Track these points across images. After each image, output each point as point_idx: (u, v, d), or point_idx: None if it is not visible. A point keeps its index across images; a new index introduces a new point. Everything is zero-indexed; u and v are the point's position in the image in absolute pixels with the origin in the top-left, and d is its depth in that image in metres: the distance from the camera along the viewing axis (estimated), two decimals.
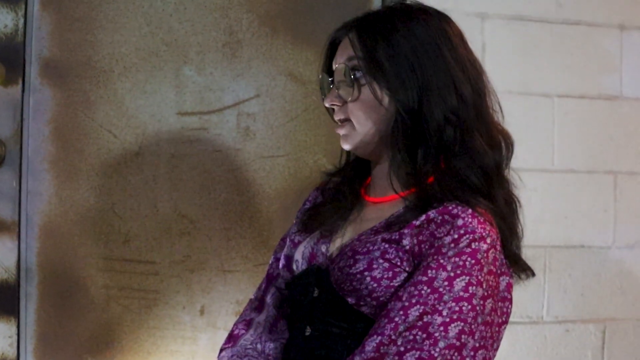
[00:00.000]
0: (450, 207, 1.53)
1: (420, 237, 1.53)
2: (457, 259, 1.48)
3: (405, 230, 1.54)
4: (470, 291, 1.47)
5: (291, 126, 2.49)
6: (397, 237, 1.54)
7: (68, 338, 2.38)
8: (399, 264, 1.53)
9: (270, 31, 2.48)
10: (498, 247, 1.54)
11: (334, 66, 1.67)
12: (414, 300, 1.47)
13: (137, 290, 2.41)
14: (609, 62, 2.69)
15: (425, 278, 1.48)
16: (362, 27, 1.63)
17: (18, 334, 2.34)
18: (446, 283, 1.47)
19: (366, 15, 1.68)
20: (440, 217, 1.53)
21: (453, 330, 1.45)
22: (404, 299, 1.48)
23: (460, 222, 1.51)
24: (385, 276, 1.52)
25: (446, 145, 1.58)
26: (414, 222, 1.54)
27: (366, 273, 1.53)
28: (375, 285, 1.52)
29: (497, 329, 1.53)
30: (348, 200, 1.70)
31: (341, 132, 1.66)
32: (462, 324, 1.46)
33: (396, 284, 1.52)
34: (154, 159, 2.42)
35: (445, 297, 1.46)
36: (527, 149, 2.60)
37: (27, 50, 2.35)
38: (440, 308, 1.46)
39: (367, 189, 1.72)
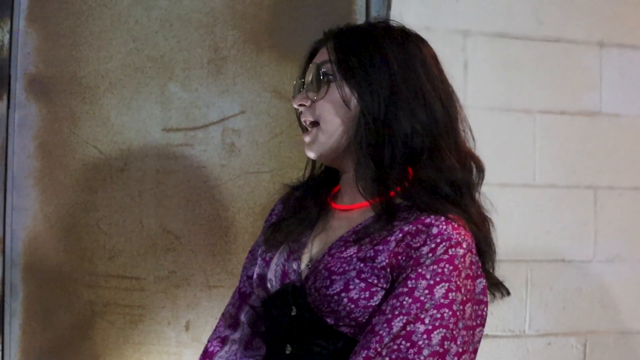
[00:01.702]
0: (423, 217, 1.54)
1: (397, 250, 1.54)
2: (435, 267, 1.50)
3: (380, 247, 1.55)
4: (450, 297, 1.49)
5: (276, 142, 2.50)
6: (372, 254, 1.55)
7: (53, 354, 2.38)
8: (375, 282, 1.54)
9: (255, 48, 2.49)
10: (474, 251, 1.56)
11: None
12: (396, 312, 1.48)
13: (122, 306, 2.41)
14: (589, 79, 2.72)
15: (405, 289, 1.50)
16: (340, 35, 1.66)
17: (2, 350, 2.34)
18: (427, 291, 1.48)
19: (347, 26, 1.70)
20: (414, 228, 1.54)
21: (436, 338, 1.47)
22: (387, 312, 1.49)
23: (435, 230, 1.52)
24: (363, 296, 1.53)
25: (413, 154, 1.59)
26: (389, 238, 1.55)
27: (343, 294, 1.53)
28: (352, 306, 1.53)
29: (472, 332, 1.54)
30: (313, 210, 1.70)
31: (307, 138, 1.67)
32: (445, 330, 1.48)
33: (374, 304, 1.53)
34: (140, 174, 2.42)
35: (427, 305, 1.48)
36: (508, 164, 2.62)
37: (12, 66, 2.36)
38: (422, 316, 1.47)
39: (334, 198, 1.73)
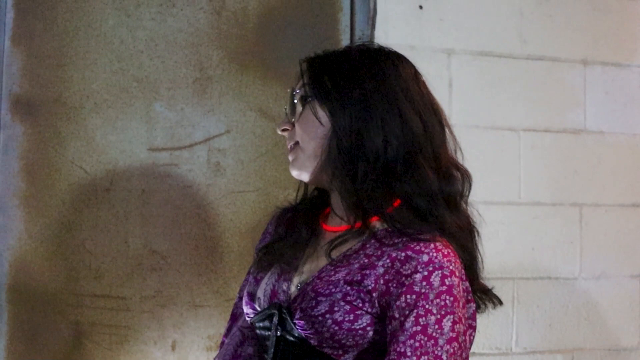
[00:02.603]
0: (412, 245, 1.56)
1: (387, 277, 1.55)
2: (438, 300, 1.51)
3: (368, 271, 1.56)
4: (456, 330, 1.52)
5: (261, 161, 2.51)
6: (359, 278, 1.56)
7: None
8: (360, 305, 1.55)
9: (240, 67, 2.50)
10: (464, 277, 1.58)
11: None
12: (418, 353, 1.50)
13: (108, 326, 2.40)
14: (573, 97, 2.73)
15: (419, 327, 1.51)
16: (314, 59, 1.70)
17: None
18: (437, 326, 1.51)
19: (323, 51, 1.73)
20: (403, 254, 1.55)
21: None
22: (409, 354, 1.50)
23: (425, 257, 1.53)
24: (347, 319, 1.54)
25: (388, 167, 1.60)
26: (377, 263, 1.56)
27: (327, 316, 1.55)
28: (336, 328, 1.54)
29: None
30: (304, 232, 1.72)
31: (290, 157, 1.70)
32: None
33: (358, 327, 1.54)
34: (125, 194, 2.42)
35: (440, 341, 1.50)
36: (494, 182, 2.63)
37: None
38: (439, 353, 1.50)
39: (325, 219, 1.74)
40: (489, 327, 2.60)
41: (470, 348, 1.60)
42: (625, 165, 2.78)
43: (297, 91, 1.68)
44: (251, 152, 2.50)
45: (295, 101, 1.68)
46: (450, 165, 1.66)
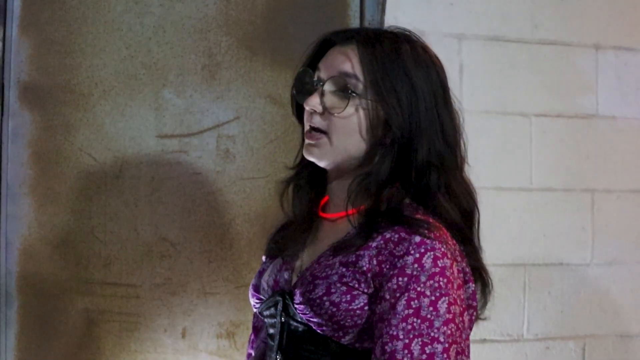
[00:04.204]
0: (405, 226, 1.55)
1: (380, 258, 1.54)
2: (432, 282, 1.50)
3: (362, 252, 1.55)
4: (452, 311, 1.50)
5: (271, 148, 2.50)
6: (354, 259, 1.56)
7: None
8: (356, 286, 1.54)
9: (249, 54, 2.49)
10: (458, 258, 1.57)
11: (326, 72, 1.62)
12: (411, 335, 1.48)
13: (118, 314, 2.40)
14: (585, 82, 2.72)
15: (411, 310, 1.50)
16: (365, 45, 1.61)
17: None
18: (431, 308, 1.49)
19: (373, 34, 1.64)
20: (397, 236, 1.54)
21: (452, 354, 1.49)
22: (401, 336, 1.49)
23: (417, 238, 1.52)
24: (344, 300, 1.54)
25: (427, 183, 1.60)
26: (370, 243, 1.56)
27: (325, 298, 1.55)
28: (334, 309, 1.54)
29: (468, 340, 1.58)
30: (303, 223, 1.72)
31: (310, 141, 1.64)
32: (456, 345, 1.50)
33: (355, 307, 1.54)
34: (134, 182, 2.42)
35: (436, 323, 1.49)
36: (505, 168, 2.62)
37: (5, 75, 2.35)
38: (436, 335, 1.48)
39: (324, 207, 1.73)
40: (500, 313, 2.59)
41: (471, 328, 1.60)
42: (637, 151, 2.76)
43: (350, 85, 1.59)
44: (261, 139, 2.49)
45: (349, 92, 1.59)
46: (465, 182, 1.66)
